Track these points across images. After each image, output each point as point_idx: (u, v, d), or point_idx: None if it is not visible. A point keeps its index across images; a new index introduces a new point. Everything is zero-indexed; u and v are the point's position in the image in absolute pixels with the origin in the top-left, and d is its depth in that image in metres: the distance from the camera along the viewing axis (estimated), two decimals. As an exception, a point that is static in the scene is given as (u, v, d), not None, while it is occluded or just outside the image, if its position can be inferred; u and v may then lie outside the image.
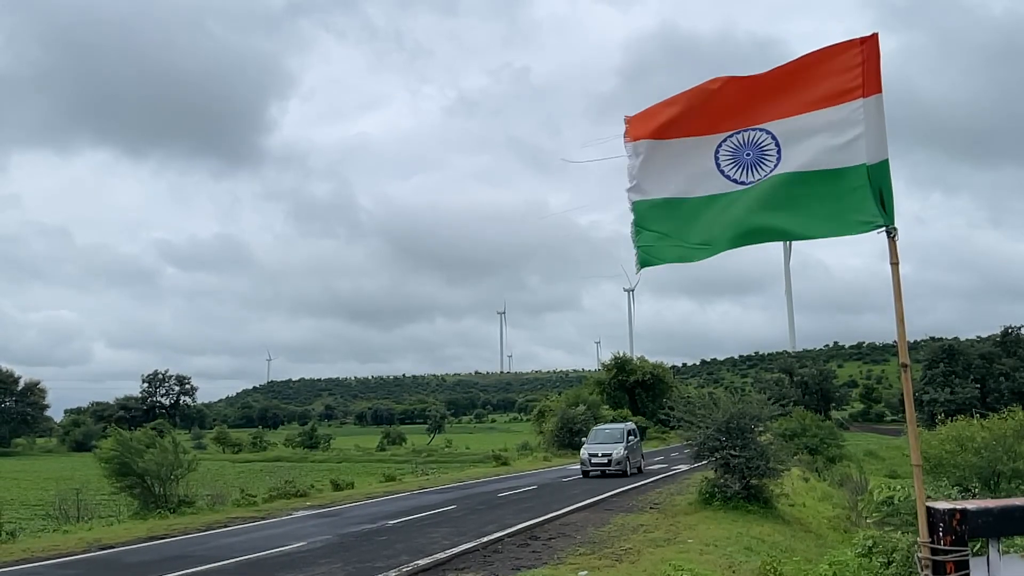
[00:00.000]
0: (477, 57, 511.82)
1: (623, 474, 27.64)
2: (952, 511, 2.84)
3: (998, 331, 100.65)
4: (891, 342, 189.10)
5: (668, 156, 4.57)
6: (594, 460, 28.33)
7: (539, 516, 16.55)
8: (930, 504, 2.97)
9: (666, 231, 4.62)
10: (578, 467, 29.50)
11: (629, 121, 4.73)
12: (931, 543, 2.94)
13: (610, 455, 28.05)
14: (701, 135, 4.46)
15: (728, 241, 4.50)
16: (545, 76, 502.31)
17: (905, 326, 3.77)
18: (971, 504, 2.89)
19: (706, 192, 4.47)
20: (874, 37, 4.12)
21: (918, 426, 4.29)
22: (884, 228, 3.96)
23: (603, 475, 27.62)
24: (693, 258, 4.64)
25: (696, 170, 4.48)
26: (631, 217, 4.68)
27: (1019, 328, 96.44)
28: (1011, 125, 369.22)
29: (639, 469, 30.02)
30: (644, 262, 4.68)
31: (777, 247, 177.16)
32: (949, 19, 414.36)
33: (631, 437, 29.96)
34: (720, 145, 4.40)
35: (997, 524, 2.86)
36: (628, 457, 28.59)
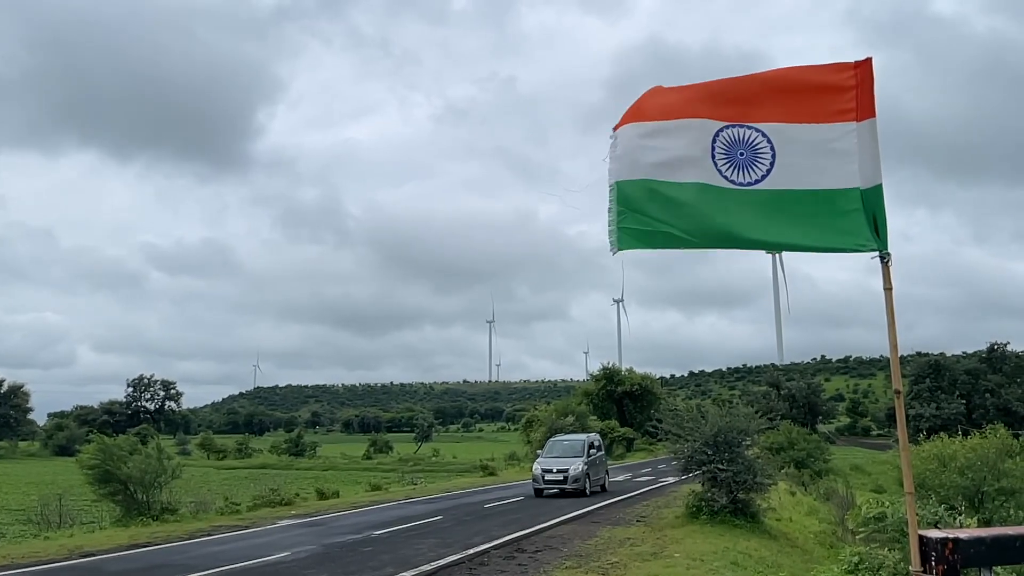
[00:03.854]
0: (464, 66, 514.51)
1: (582, 493, 24.36)
2: (944, 540, 2.83)
3: (983, 347, 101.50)
4: (878, 356, 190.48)
5: (657, 134, 4.42)
6: (548, 477, 24.73)
7: (526, 528, 16.49)
8: (922, 533, 2.96)
9: (652, 214, 4.42)
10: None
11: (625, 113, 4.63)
12: (923, 572, 2.91)
13: (566, 471, 24.50)
14: (698, 118, 4.39)
15: (715, 240, 4.39)
16: (532, 86, 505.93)
17: (898, 352, 3.75)
18: (963, 533, 2.88)
19: (696, 179, 4.34)
20: (868, 61, 4.13)
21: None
22: (878, 253, 3.95)
23: (562, 493, 24.41)
24: (679, 245, 4.44)
25: (690, 152, 4.36)
26: (611, 199, 4.45)
27: (1005, 345, 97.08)
28: (994, 143, 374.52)
29: (602, 487, 26.62)
30: (623, 244, 4.43)
31: (766, 261, 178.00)
32: (932, 37, 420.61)
33: (592, 450, 26.33)
34: (717, 135, 4.35)
35: (989, 553, 2.84)
36: (588, 473, 25.08)
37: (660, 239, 4.47)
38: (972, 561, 2.84)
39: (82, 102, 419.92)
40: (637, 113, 4.55)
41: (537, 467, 25.51)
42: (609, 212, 4.48)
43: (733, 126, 4.33)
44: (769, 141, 4.26)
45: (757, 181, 4.25)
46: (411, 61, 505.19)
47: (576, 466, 24.69)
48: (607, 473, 27.94)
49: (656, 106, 4.51)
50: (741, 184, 4.28)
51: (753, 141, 4.28)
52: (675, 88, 4.58)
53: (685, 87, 4.54)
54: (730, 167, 4.30)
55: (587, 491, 24.70)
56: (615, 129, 4.58)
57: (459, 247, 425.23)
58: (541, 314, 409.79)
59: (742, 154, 4.30)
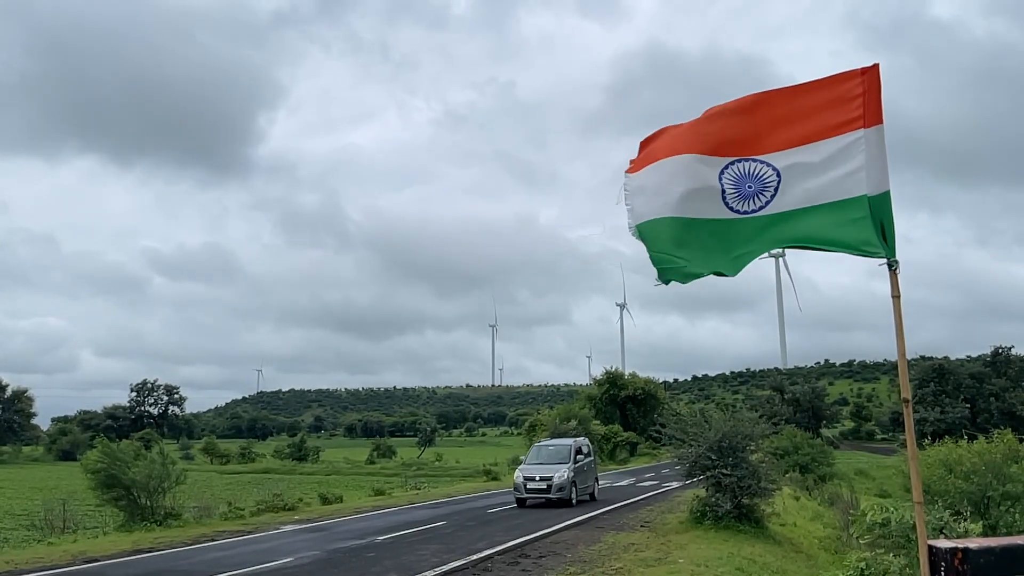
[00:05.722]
0: (463, 71, 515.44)
1: (567, 503, 22.55)
2: (954, 550, 2.80)
3: (987, 350, 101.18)
4: (882, 360, 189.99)
5: (666, 172, 4.57)
6: (530, 485, 22.80)
7: (529, 533, 16.45)
8: (932, 543, 2.94)
9: (667, 250, 4.63)
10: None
11: (633, 161, 4.81)
12: (932, 582, 2.89)
13: (550, 479, 22.62)
14: (704, 154, 4.46)
15: (730, 265, 4.52)
16: (531, 91, 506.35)
17: (906, 360, 3.72)
18: (973, 543, 2.86)
19: (706, 215, 4.46)
20: (875, 68, 4.12)
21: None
22: (885, 260, 3.94)
23: (547, 503, 22.67)
24: (699, 275, 4.68)
25: (698, 188, 4.47)
26: (641, 243, 4.72)
27: (1009, 348, 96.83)
28: (995, 146, 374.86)
29: (591, 496, 24.70)
30: (666, 279, 4.74)
31: (769, 265, 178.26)
32: (932, 40, 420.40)
33: (580, 456, 24.27)
34: (723, 171, 4.40)
35: (999, 564, 2.82)
36: (575, 481, 23.14)
37: (681, 273, 4.70)
38: (982, 572, 2.81)
39: (83, 107, 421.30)
40: (648, 157, 4.65)
41: (519, 475, 23.67)
42: (648, 251, 4.72)
43: (739, 161, 4.37)
44: (775, 171, 4.29)
45: (763, 207, 4.29)
46: (410, 66, 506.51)
47: (561, 473, 22.89)
48: (596, 480, 26.21)
49: (664, 146, 4.60)
50: (747, 212, 4.33)
51: (760, 173, 4.34)
52: (680, 126, 4.65)
53: (690, 124, 4.63)
54: (739, 200, 4.38)
55: (573, 500, 22.98)
56: (628, 173, 4.70)
57: (460, 251, 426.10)
58: (543, 318, 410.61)
59: (750, 187, 4.37)
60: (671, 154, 4.55)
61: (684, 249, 4.56)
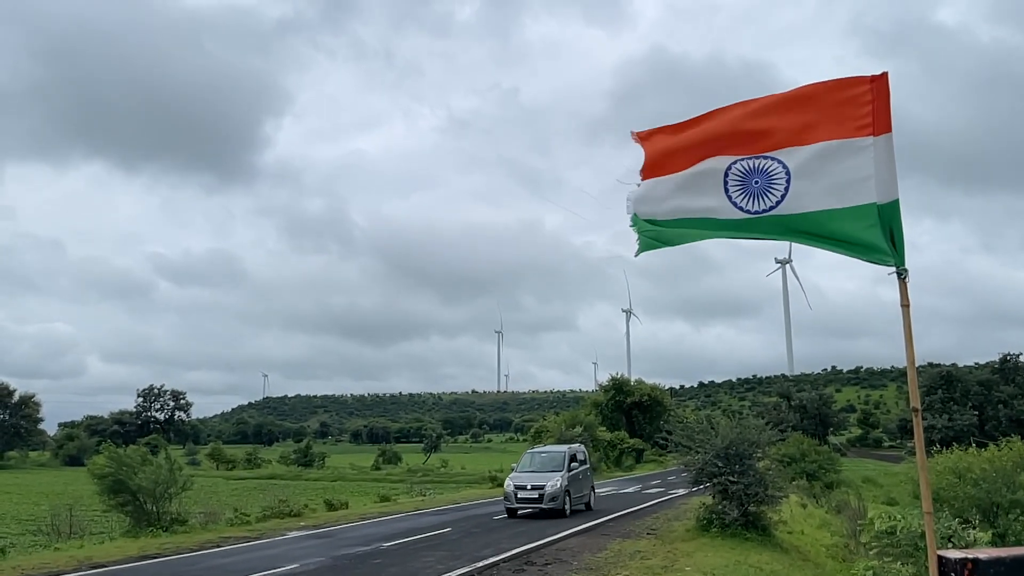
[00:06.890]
0: (467, 77, 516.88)
1: (561, 513, 21.41)
2: (964, 560, 2.79)
3: (994, 357, 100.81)
4: (889, 367, 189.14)
5: (677, 184, 4.59)
6: (521, 494, 21.61)
7: (535, 540, 16.41)
8: (941, 553, 2.92)
9: (664, 236, 4.73)
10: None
11: (645, 160, 4.77)
12: (942, 593, 2.87)
13: (542, 488, 21.41)
14: (709, 159, 4.45)
15: (729, 234, 4.58)
16: (535, 97, 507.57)
17: (915, 369, 3.70)
18: (983, 553, 2.83)
19: (710, 215, 4.47)
20: (884, 76, 4.10)
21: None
22: (895, 269, 3.92)
23: (542, 514, 21.47)
24: (696, 238, 4.78)
25: (702, 194, 4.49)
26: (629, 221, 4.78)
27: (1017, 355, 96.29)
28: (1000, 152, 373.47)
29: (586, 505, 23.61)
30: (646, 247, 4.81)
31: (776, 274, 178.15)
32: (936, 46, 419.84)
33: (574, 464, 23.03)
34: (728, 169, 4.39)
35: (1009, 574, 2.80)
36: (568, 490, 21.92)
37: (675, 237, 4.74)
38: (992, 582, 2.79)
39: (89, 114, 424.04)
40: (657, 164, 4.66)
41: (509, 483, 22.40)
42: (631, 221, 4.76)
43: (746, 159, 4.35)
44: (784, 167, 4.27)
45: (771, 208, 4.27)
46: (415, 73, 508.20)
47: (554, 482, 21.68)
48: (593, 489, 24.90)
49: (672, 156, 4.61)
50: (755, 212, 4.31)
51: (768, 169, 4.31)
52: (688, 126, 4.62)
53: (698, 123, 4.61)
54: (744, 196, 4.35)
55: (567, 511, 21.75)
56: (643, 178, 4.71)
57: (465, 257, 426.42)
58: (548, 324, 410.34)
59: (756, 182, 4.34)
60: (679, 168, 4.55)
61: (686, 229, 4.63)
